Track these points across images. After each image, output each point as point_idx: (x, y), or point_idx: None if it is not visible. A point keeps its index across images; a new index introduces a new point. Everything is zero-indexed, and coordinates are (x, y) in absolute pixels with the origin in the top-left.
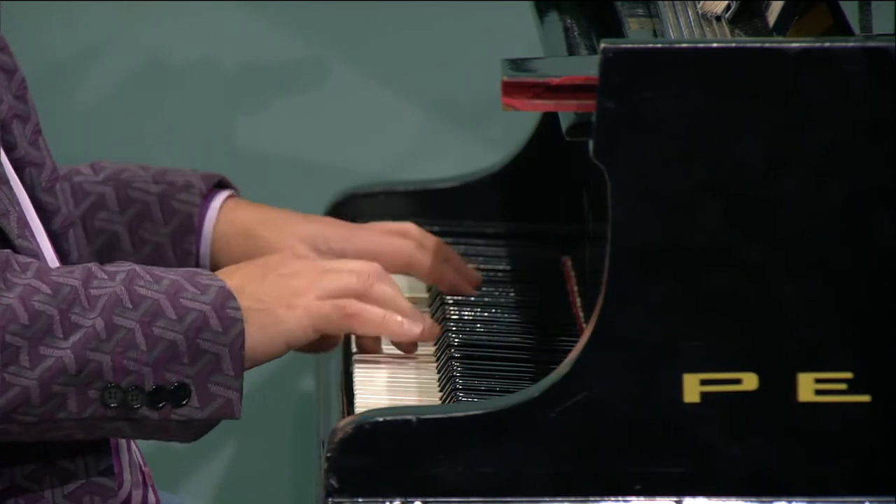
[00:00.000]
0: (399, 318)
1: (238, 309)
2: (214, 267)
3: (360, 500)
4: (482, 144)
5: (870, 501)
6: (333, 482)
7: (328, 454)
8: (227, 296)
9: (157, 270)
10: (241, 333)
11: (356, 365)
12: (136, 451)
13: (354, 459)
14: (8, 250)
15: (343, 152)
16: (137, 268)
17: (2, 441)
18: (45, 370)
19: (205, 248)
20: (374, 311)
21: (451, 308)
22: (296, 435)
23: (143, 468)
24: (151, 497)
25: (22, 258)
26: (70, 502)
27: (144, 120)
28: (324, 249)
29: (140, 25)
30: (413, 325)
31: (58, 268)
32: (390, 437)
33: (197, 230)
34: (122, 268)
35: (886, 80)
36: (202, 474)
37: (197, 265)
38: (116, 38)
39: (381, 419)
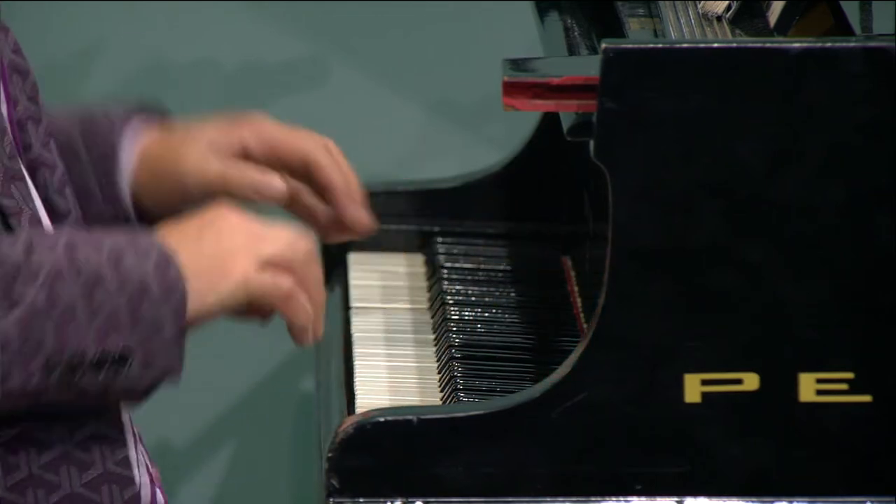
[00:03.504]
0: (320, 327)
1: (179, 273)
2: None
3: (360, 500)
4: (482, 144)
5: (870, 501)
6: (334, 482)
7: (329, 454)
8: (167, 259)
9: (95, 235)
10: (183, 297)
11: (357, 365)
12: (143, 450)
13: (355, 459)
14: None
15: (343, 152)
16: (76, 234)
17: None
18: None
19: (124, 185)
20: (305, 307)
21: (452, 308)
22: (296, 435)
23: (151, 469)
24: (160, 497)
25: None
26: (89, 491)
27: None
28: (230, 150)
29: (140, 25)
30: (317, 329)
31: (2, 239)
32: (391, 437)
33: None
34: (60, 237)
35: (886, 80)
36: (202, 474)
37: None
38: (116, 38)
39: (382, 419)
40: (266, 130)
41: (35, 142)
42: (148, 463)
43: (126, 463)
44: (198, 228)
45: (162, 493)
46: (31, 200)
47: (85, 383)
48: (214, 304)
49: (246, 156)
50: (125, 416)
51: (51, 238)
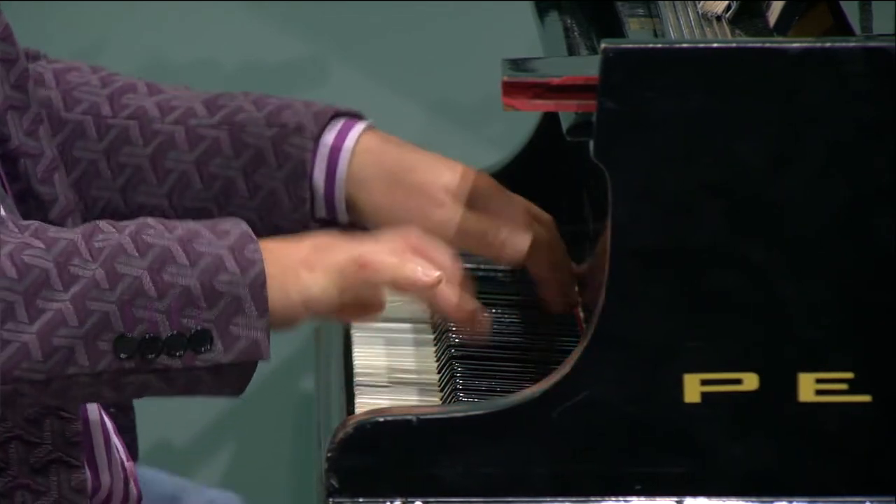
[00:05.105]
0: (419, 264)
1: (258, 251)
2: (353, 210)
3: (360, 500)
4: (482, 144)
5: (870, 502)
6: (334, 482)
7: (329, 454)
8: (247, 239)
9: (174, 221)
10: (262, 273)
11: (357, 364)
12: (119, 446)
13: (355, 459)
14: (5, 214)
15: None
16: (150, 219)
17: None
18: (43, 324)
19: (339, 192)
20: (388, 258)
21: None
22: (296, 435)
23: (126, 463)
24: (133, 491)
25: (25, 221)
26: None
27: None
28: (466, 200)
29: (140, 25)
30: (429, 270)
31: (62, 228)
32: (391, 437)
33: (310, 174)
34: (133, 222)
35: (886, 80)
36: (202, 474)
37: (312, 211)
38: (116, 38)
39: (381, 419)
40: (512, 206)
41: (16, 131)
42: (123, 458)
43: (83, 487)
44: (300, 239)
45: (136, 486)
46: None
47: (163, 365)
48: (297, 299)
49: None
50: (93, 414)
51: (119, 224)
